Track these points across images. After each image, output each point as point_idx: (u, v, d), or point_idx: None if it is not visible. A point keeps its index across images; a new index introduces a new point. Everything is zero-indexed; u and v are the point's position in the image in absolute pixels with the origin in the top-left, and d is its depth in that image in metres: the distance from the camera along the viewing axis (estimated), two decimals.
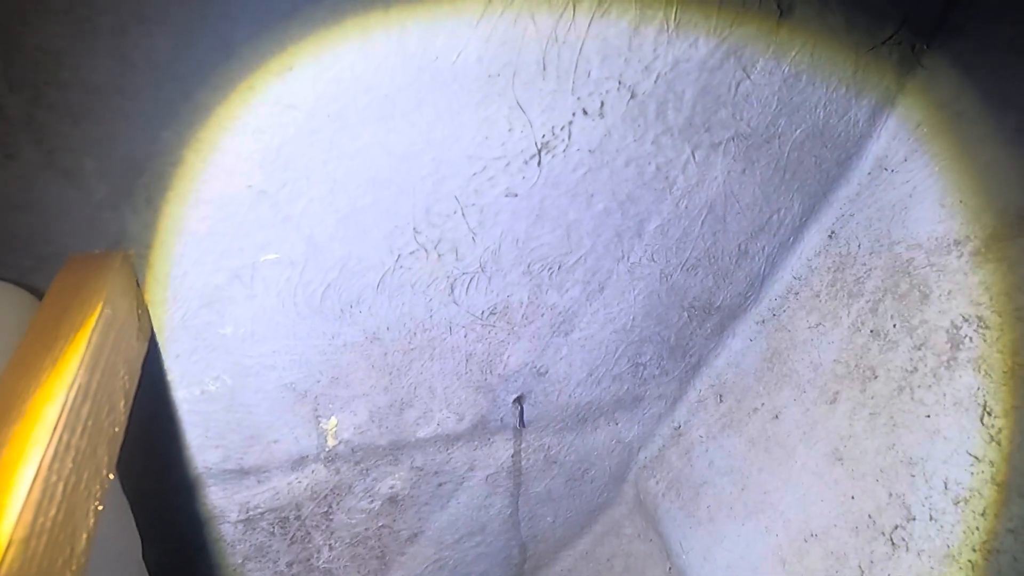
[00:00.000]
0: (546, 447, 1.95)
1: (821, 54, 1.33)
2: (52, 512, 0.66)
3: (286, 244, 1.19)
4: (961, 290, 1.34)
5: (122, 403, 0.94)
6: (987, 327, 1.28)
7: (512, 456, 1.90)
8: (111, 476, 0.86)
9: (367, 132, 1.09)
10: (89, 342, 0.83)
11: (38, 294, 1.06)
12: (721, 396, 1.92)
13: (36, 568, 0.62)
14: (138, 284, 1.12)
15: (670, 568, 2.04)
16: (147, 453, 1.36)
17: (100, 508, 0.79)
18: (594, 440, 2.02)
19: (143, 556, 1.33)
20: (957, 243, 1.36)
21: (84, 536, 0.74)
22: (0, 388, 0.72)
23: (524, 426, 1.81)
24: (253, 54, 0.96)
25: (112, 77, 0.91)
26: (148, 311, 1.17)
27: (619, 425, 2.01)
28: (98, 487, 0.80)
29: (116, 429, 0.90)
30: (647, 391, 1.94)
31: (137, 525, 1.30)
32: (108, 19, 0.86)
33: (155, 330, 1.20)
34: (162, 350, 1.24)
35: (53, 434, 0.69)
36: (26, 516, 0.61)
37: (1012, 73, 1.30)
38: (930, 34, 1.40)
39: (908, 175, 1.47)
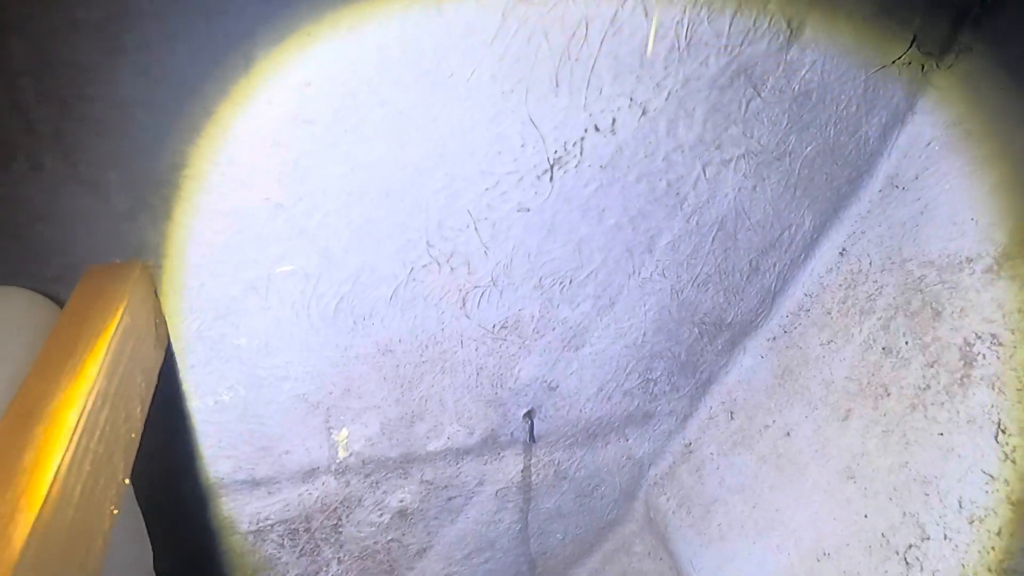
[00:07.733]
0: (556, 462, 1.94)
1: (831, 73, 1.34)
2: (69, 513, 0.67)
3: (301, 256, 1.21)
4: (974, 307, 1.34)
5: (139, 410, 0.96)
6: (1000, 344, 1.27)
7: (522, 471, 1.89)
8: (126, 482, 0.87)
9: (382, 146, 1.11)
10: (108, 349, 0.85)
11: (60, 303, 1.08)
12: (732, 413, 1.92)
13: (52, 568, 0.63)
14: (156, 294, 1.14)
15: None
16: (161, 462, 1.37)
17: (115, 512, 0.80)
18: (604, 456, 2.01)
19: (154, 565, 1.33)
20: (969, 260, 1.36)
21: (99, 540, 0.75)
22: (24, 392, 0.74)
23: (534, 441, 1.81)
24: (273, 70, 0.98)
25: (136, 92, 0.94)
26: (165, 321, 1.19)
27: (629, 441, 2.01)
28: (114, 492, 0.81)
29: (132, 435, 0.92)
30: (658, 407, 1.94)
31: (149, 534, 1.31)
32: (135, 36, 0.89)
33: (171, 340, 1.22)
34: (178, 360, 1.26)
35: (72, 438, 0.70)
36: (45, 516, 0.62)
37: (1021, 93, 1.30)
38: (940, 54, 1.41)
39: (919, 193, 1.47)
